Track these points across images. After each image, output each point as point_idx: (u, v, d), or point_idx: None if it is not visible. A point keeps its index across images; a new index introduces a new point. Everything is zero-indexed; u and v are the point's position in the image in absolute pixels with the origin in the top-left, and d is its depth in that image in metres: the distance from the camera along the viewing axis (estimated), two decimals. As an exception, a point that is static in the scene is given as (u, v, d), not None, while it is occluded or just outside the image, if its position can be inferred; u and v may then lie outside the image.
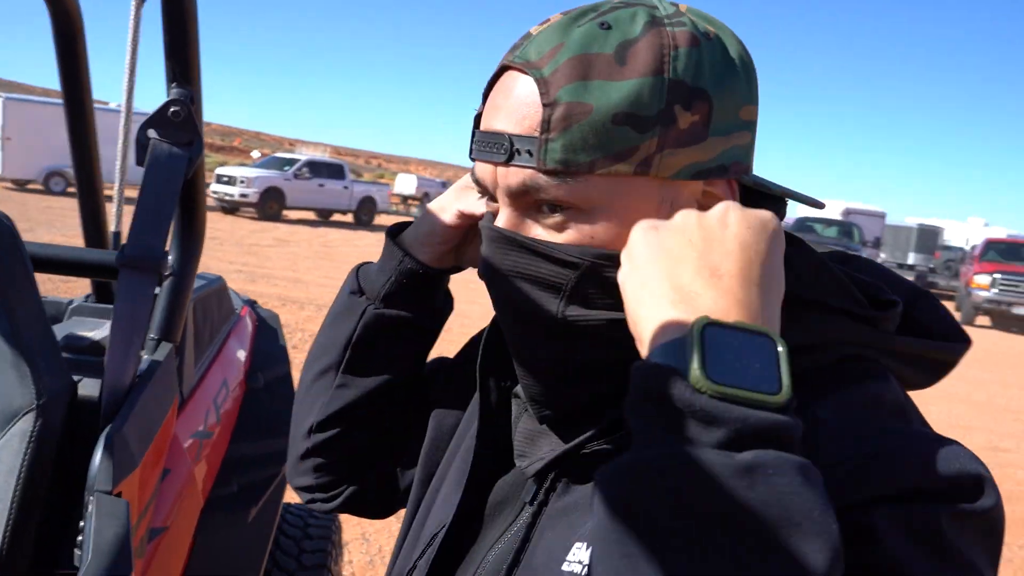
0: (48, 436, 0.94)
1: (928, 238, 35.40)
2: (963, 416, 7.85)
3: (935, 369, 0.65)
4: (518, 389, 0.71)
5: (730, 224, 0.52)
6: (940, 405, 8.22)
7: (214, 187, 21.02)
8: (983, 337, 14.87)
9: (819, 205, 0.70)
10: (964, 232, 38.98)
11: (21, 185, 22.26)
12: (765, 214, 0.53)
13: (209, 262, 12.12)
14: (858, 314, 0.61)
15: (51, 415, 0.94)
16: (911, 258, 35.00)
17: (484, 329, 0.80)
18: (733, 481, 0.42)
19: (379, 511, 0.92)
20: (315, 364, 0.87)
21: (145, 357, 1.11)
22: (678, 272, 0.50)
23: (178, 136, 1.03)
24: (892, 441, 0.54)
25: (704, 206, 0.60)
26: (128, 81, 1.26)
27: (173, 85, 1.09)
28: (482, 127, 0.63)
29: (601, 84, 0.57)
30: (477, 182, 0.65)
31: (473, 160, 0.65)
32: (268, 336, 1.78)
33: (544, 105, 0.58)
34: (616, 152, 0.57)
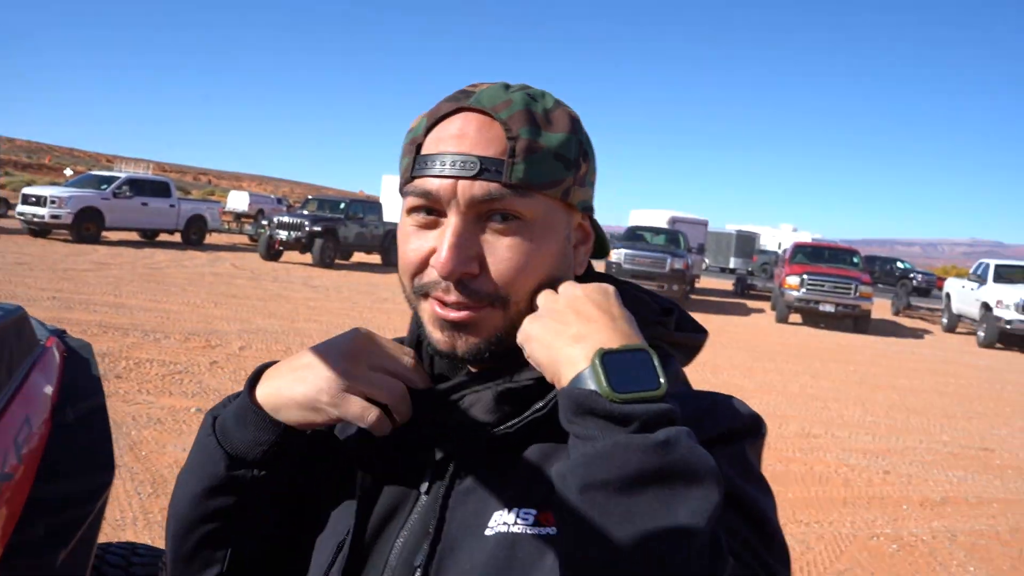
0: None
1: (746, 243, 38.21)
2: (779, 406, 8.51)
3: (690, 353, 0.88)
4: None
5: (579, 294, 0.74)
6: (759, 397, 8.87)
7: (21, 208, 19.24)
8: (795, 333, 16.20)
9: (606, 252, 0.93)
10: (777, 237, 42.34)
11: None
12: (599, 284, 0.76)
13: (17, 289, 11.09)
14: (658, 316, 0.85)
15: None
16: (732, 262, 37.65)
17: None
18: (655, 451, 0.61)
19: None
20: (197, 530, 0.81)
21: (-70, 397, 1.02)
22: (566, 328, 0.71)
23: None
24: (708, 400, 0.78)
25: (578, 237, 0.84)
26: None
27: None
28: (439, 150, 0.77)
29: (544, 132, 0.78)
30: (425, 195, 0.77)
31: (415, 178, 0.78)
32: (80, 367, 1.67)
33: (509, 138, 0.76)
34: (555, 180, 0.78)
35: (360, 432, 0.82)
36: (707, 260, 39.35)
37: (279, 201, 40.27)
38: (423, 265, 0.79)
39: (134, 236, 22.01)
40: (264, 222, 21.45)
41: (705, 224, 29.65)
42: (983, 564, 4.67)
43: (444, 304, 0.78)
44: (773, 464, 6.19)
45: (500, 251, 0.76)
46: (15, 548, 1.13)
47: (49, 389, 1.49)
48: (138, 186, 20.59)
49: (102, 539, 3.65)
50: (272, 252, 19.63)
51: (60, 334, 1.80)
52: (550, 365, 0.70)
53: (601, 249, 0.90)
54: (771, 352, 12.85)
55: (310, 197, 22.52)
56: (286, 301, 12.56)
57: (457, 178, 0.75)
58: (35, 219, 18.83)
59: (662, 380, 0.66)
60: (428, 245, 0.78)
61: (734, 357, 11.71)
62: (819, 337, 15.91)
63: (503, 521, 0.73)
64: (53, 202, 18.66)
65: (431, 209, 0.78)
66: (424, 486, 0.80)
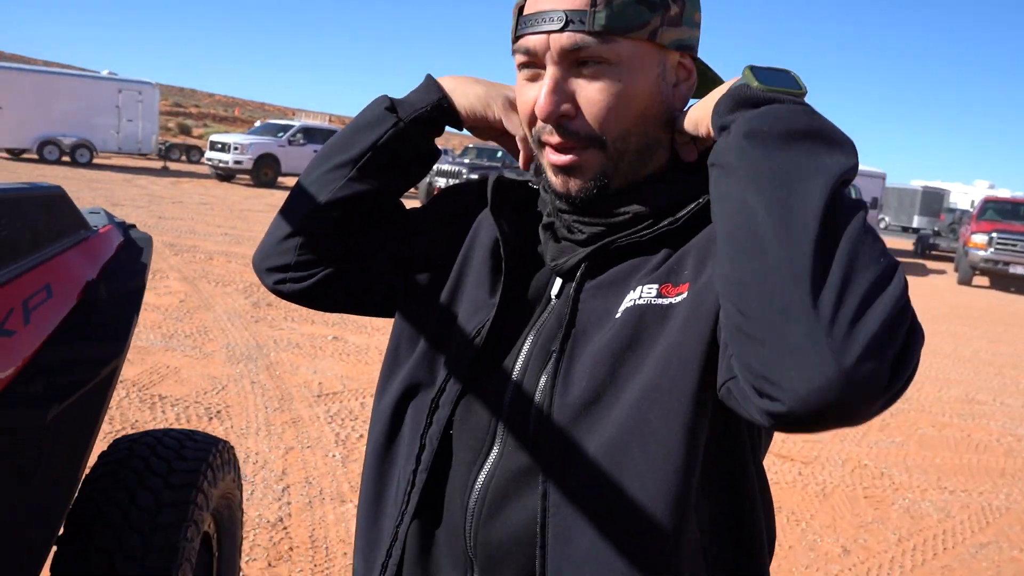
0: None
1: (933, 200, 35.09)
2: (943, 370, 7.79)
3: None
4: (550, 224, 0.94)
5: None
6: (922, 360, 8.11)
7: (209, 155, 20.92)
8: (979, 297, 14.75)
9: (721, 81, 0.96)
10: (970, 195, 38.58)
11: (16, 154, 22.23)
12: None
13: (196, 226, 12.09)
14: None
15: None
16: (916, 221, 34.74)
17: (455, 186, 1.07)
18: (804, 114, 0.72)
19: (333, 303, 1.05)
20: (330, 160, 1.00)
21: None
22: (714, 94, 0.81)
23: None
24: None
25: (679, 75, 0.88)
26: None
27: None
28: (534, 9, 0.84)
29: None
30: (527, 52, 0.85)
31: (519, 38, 0.86)
32: (132, 255, 1.74)
33: None
34: (638, 23, 0.82)
35: (509, 231, 0.94)
36: (887, 218, 36.52)
37: (444, 152, 41.38)
38: (534, 113, 0.86)
39: (308, 182, 23.34)
40: (425, 170, 22.09)
41: (883, 177, 27.30)
42: None
43: (554, 149, 0.86)
44: (925, 428, 5.68)
45: (590, 93, 0.83)
46: (8, 399, 1.18)
47: (88, 268, 1.55)
48: (311, 134, 21.77)
49: (212, 431, 3.91)
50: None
51: (126, 227, 1.89)
52: (704, 111, 0.80)
53: (712, 86, 0.93)
54: (945, 315, 11.78)
55: (470, 146, 22.92)
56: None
57: (548, 32, 0.82)
58: (220, 164, 20.41)
59: (804, 86, 0.76)
60: (535, 95, 0.86)
61: (901, 317, 10.83)
62: (1007, 301, 14.40)
63: (632, 299, 0.82)
64: (236, 148, 20.14)
65: (533, 64, 0.85)
66: (555, 289, 0.90)
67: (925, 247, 23.73)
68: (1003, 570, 3.66)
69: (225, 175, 20.99)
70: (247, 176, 20.73)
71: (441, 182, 19.75)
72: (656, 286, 0.82)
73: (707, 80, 0.93)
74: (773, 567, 3.32)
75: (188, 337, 5.82)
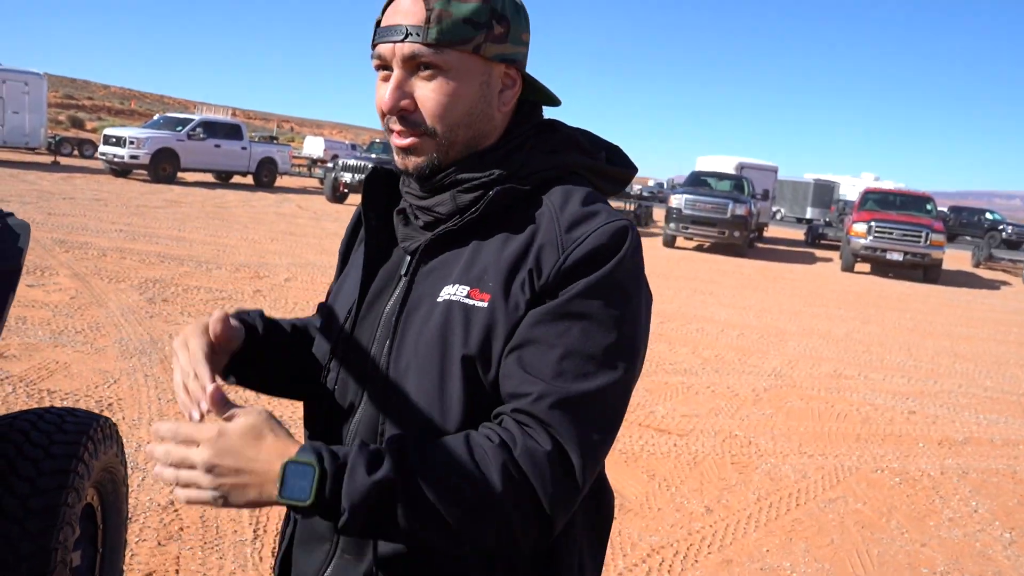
0: None
1: (824, 193, 36.89)
2: (816, 349, 8.37)
3: (621, 184, 1.17)
4: (403, 209, 1.15)
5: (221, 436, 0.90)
6: (797, 339, 8.74)
7: (102, 149, 20.16)
8: (859, 282, 15.73)
9: (556, 102, 1.17)
10: (858, 187, 40.66)
11: None
12: (247, 421, 0.91)
13: (89, 222, 11.72)
14: (586, 151, 1.13)
15: None
16: (809, 212, 36.46)
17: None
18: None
19: None
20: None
21: None
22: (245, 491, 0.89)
23: None
24: (594, 224, 1.01)
25: (504, 83, 1.08)
26: None
27: None
28: (386, 23, 1.05)
29: (456, 3, 1.03)
30: (379, 57, 1.05)
31: (375, 46, 1.06)
32: (8, 239, 1.84)
33: (427, 10, 1.02)
34: (463, 38, 1.02)
35: (363, 240, 1.17)
36: (783, 210, 38.14)
37: (353, 147, 40.87)
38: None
39: (209, 178, 22.79)
40: (330, 165, 21.83)
41: (775, 170, 28.55)
42: (988, 500, 4.58)
43: (398, 135, 1.06)
44: (793, 401, 6.15)
45: (425, 92, 1.04)
46: None
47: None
48: (211, 128, 21.24)
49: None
50: (337, 194, 20.05)
51: (3, 214, 1.98)
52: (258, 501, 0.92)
53: (548, 100, 1.16)
54: (826, 299, 12.56)
55: (376, 140, 22.81)
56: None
57: (394, 42, 1.03)
58: (115, 159, 19.67)
59: (313, 492, 0.87)
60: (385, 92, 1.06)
61: (785, 303, 11.50)
62: (883, 286, 15.41)
63: (449, 293, 1.03)
64: (132, 143, 19.45)
65: (385, 66, 1.06)
66: (404, 268, 1.10)
67: (815, 237, 25.01)
68: (846, 520, 4.08)
69: (121, 170, 20.25)
70: (144, 172, 20.08)
71: (347, 177, 19.65)
72: (468, 288, 1.02)
73: (534, 89, 1.14)
74: (640, 527, 3.63)
75: (79, 333, 5.76)
